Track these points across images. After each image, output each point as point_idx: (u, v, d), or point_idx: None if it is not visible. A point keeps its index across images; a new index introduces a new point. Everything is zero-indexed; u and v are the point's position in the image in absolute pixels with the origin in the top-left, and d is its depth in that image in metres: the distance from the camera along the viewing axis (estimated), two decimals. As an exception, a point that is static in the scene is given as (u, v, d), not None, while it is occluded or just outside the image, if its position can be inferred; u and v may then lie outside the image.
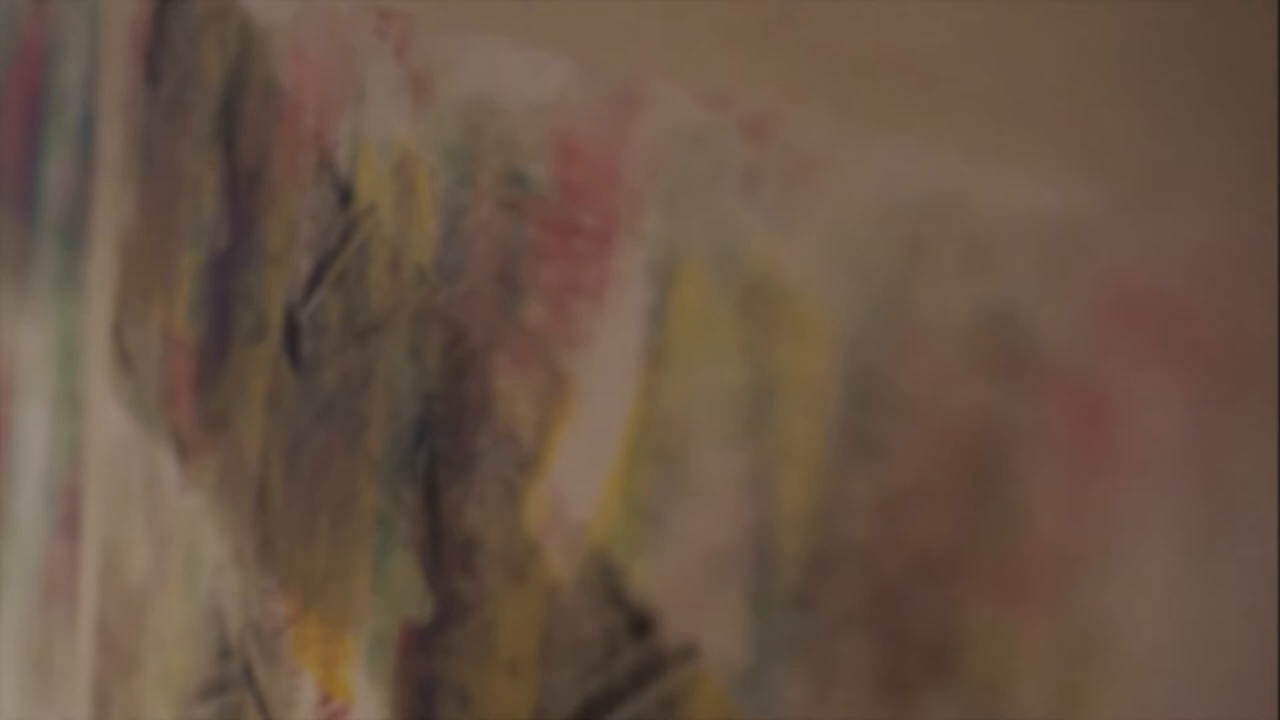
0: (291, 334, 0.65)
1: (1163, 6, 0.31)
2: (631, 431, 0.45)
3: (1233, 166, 0.29)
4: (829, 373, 0.38)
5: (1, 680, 1.15)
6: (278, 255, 0.66)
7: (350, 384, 0.60)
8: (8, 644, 1.13)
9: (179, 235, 0.77)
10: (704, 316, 0.42)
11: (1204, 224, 0.30)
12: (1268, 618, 0.29)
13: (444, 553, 0.54)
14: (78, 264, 0.93)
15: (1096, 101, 0.32)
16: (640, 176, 0.44)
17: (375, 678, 0.58)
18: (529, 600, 0.49)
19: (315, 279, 0.63)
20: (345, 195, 0.60)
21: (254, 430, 0.68)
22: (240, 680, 0.70)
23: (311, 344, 0.63)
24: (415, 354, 0.55)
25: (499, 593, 0.51)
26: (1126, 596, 0.32)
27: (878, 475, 0.37)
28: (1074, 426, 0.33)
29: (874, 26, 0.38)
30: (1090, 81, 0.32)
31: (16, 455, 1.10)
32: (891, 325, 0.37)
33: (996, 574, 0.34)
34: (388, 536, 0.57)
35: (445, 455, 0.54)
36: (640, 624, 0.44)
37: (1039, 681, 0.33)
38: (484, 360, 0.51)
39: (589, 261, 0.46)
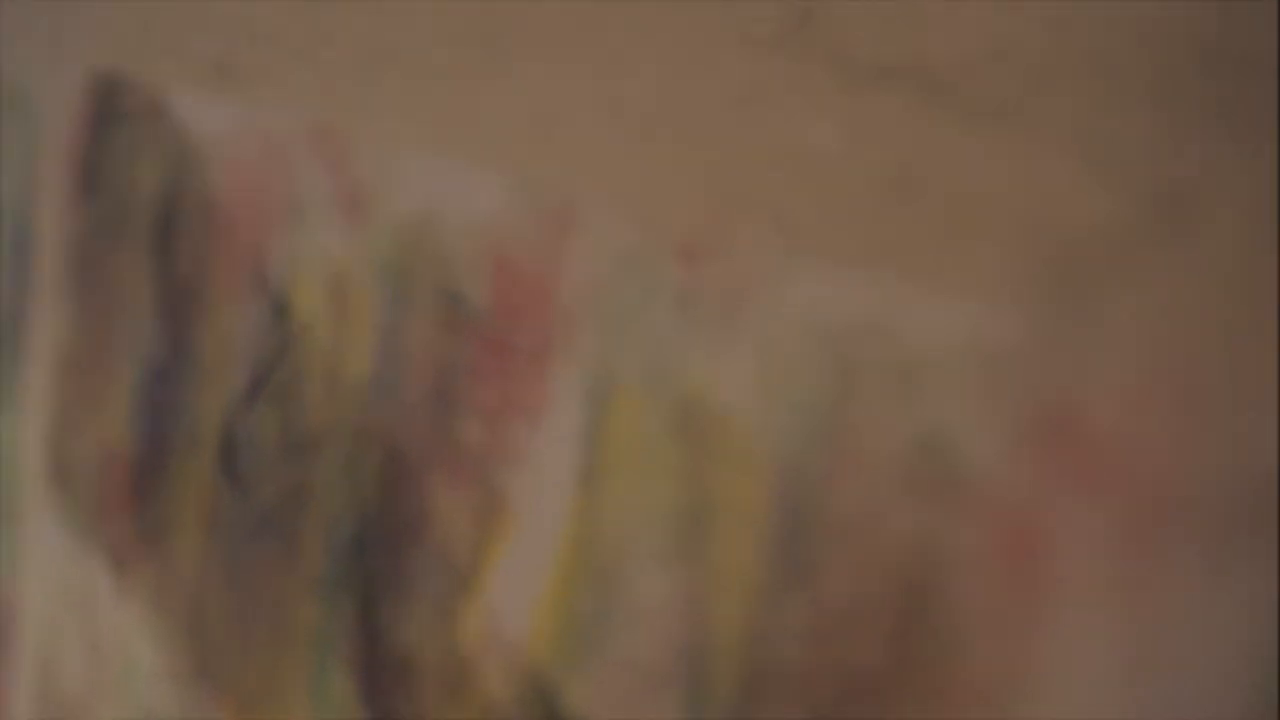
0: (228, 449, 0.64)
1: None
2: (567, 551, 0.45)
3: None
4: (763, 495, 0.38)
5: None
6: (213, 370, 0.66)
7: (287, 500, 0.60)
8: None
9: (116, 348, 0.77)
10: (639, 437, 0.42)
11: (1132, 351, 0.31)
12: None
13: (380, 670, 0.53)
14: (14, 377, 0.93)
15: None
16: (576, 297, 0.45)
17: (312, 796, 0.58)
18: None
19: (251, 395, 0.62)
20: (281, 311, 0.60)
21: (191, 544, 0.68)
22: (175, 797, 0.69)
23: (248, 459, 0.63)
24: (352, 471, 0.55)
25: (435, 712, 0.50)
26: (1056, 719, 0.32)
27: (812, 598, 0.37)
28: (1005, 551, 0.33)
29: (821, 139, 0.38)
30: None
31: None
32: (824, 449, 0.37)
33: (929, 697, 0.34)
34: (324, 653, 0.57)
35: (382, 573, 0.53)
36: (577, 744, 0.44)
37: (973, 806, 0.33)
38: (420, 478, 0.51)
39: (525, 381, 0.47)
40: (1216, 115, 0.30)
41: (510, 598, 0.47)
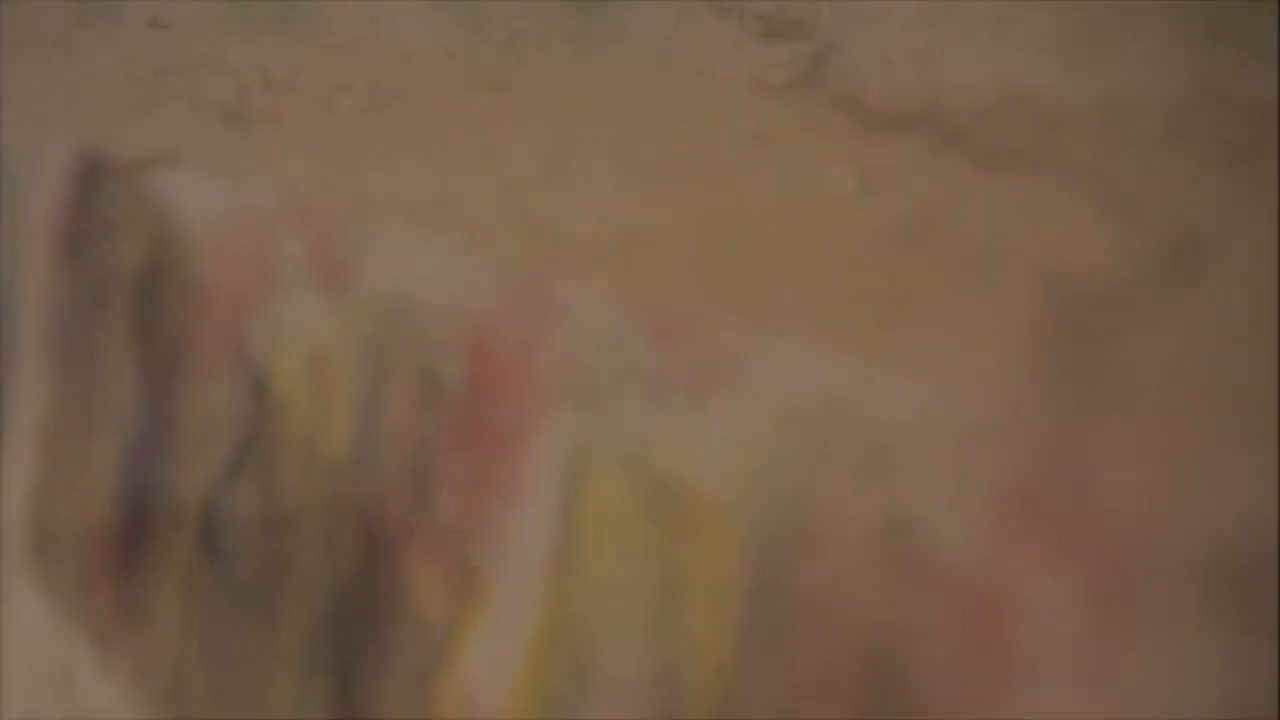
0: (208, 524, 0.65)
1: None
2: (543, 626, 0.45)
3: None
4: (734, 573, 0.39)
5: None
6: (194, 445, 0.66)
7: (266, 575, 0.60)
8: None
9: (97, 422, 0.77)
10: (613, 516, 0.43)
11: (1104, 427, 0.31)
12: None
13: (358, 745, 0.53)
14: (-5, 449, 0.93)
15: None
16: (552, 376, 0.45)
17: None
18: (442, 794, 0.49)
19: (230, 470, 0.63)
20: (260, 388, 0.61)
21: (171, 619, 0.68)
22: None
23: (227, 535, 0.63)
24: (330, 546, 0.55)
25: (412, 786, 0.50)
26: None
27: (781, 674, 0.37)
28: (973, 629, 0.33)
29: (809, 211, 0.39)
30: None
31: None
32: (794, 528, 0.37)
33: (898, 773, 0.34)
34: (302, 728, 0.57)
35: (359, 647, 0.54)
36: (552, 819, 0.44)
37: None
38: (398, 554, 0.52)
39: (501, 459, 0.47)
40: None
41: (486, 672, 0.48)
